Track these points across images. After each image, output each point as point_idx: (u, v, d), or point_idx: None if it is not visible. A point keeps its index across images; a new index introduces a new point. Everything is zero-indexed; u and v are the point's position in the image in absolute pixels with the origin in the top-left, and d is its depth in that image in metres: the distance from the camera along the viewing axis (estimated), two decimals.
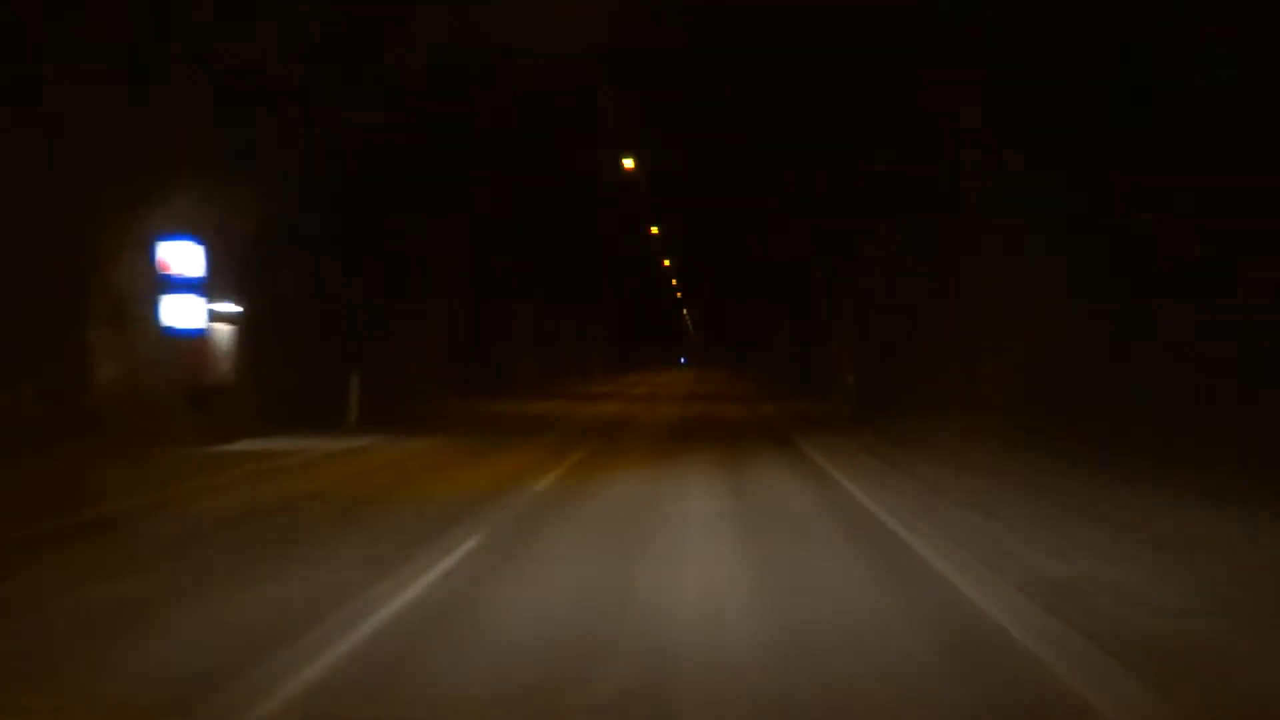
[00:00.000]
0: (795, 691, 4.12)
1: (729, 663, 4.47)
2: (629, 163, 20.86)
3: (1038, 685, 4.23)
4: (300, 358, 16.15)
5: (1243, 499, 7.63)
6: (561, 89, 16.14)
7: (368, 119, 15.46)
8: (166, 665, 4.31)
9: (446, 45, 13.53)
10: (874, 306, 20.89)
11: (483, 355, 30.09)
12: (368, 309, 19.54)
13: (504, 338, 33.60)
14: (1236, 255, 8.55)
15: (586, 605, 5.42)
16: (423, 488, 10.04)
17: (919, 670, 4.40)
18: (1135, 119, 9.82)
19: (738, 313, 58.17)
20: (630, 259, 41.71)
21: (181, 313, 13.15)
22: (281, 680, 4.04)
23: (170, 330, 12.97)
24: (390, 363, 20.89)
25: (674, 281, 54.20)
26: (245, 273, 14.60)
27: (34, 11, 9.66)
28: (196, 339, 13.66)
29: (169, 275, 12.90)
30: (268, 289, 15.18)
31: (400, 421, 17.35)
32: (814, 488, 10.31)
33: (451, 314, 26.57)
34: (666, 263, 43.79)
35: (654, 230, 32.17)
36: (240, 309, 14.70)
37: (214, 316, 14.08)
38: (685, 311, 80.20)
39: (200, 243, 13.31)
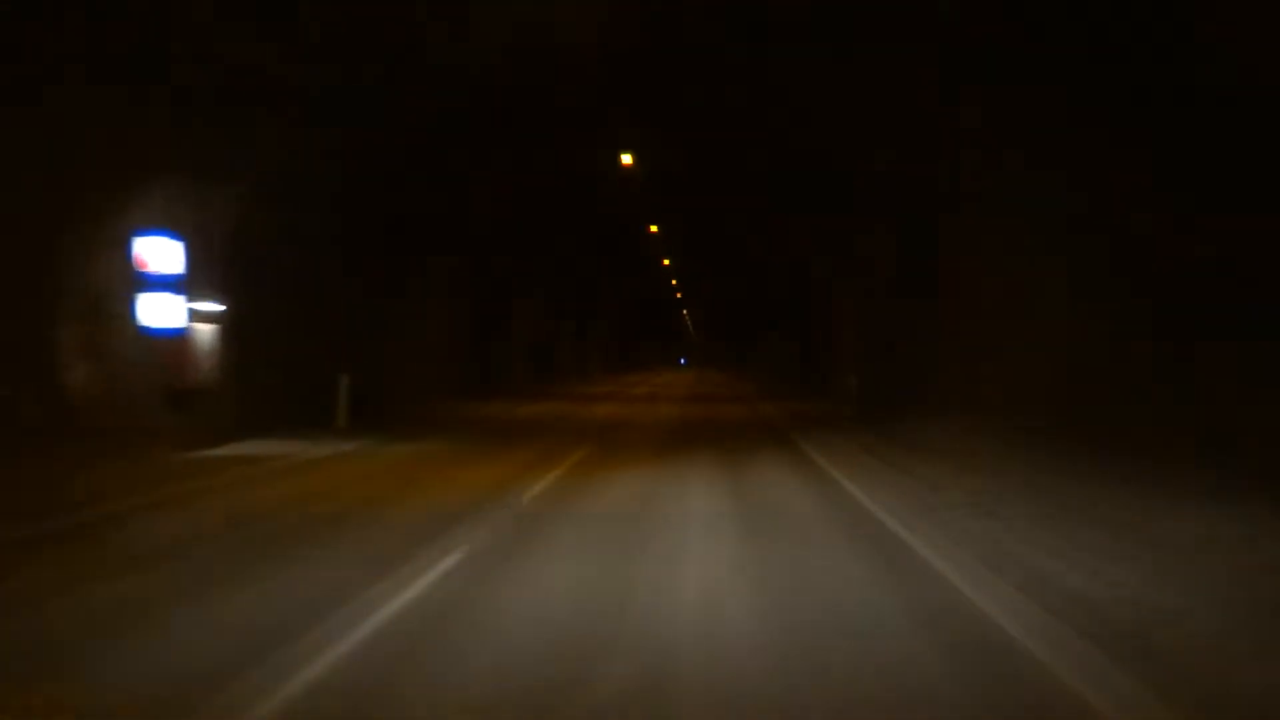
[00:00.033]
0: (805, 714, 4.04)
1: (731, 682, 4.45)
2: (627, 159, 20.71)
3: (1037, 685, 4.23)
4: (289, 358, 15.81)
5: (1243, 499, 7.63)
6: (561, 88, 16.14)
7: (362, 116, 15.36)
8: (97, 701, 4.07)
9: (445, 44, 13.49)
10: (873, 306, 20.88)
11: (480, 356, 30.02)
12: (362, 309, 19.30)
13: (502, 338, 33.57)
14: (1236, 255, 8.55)
15: (570, 634, 4.88)
16: (403, 498, 9.41)
17: (919, 670, 4.40)
18: (1135, 119, 9.83)
19: (738, 313, 58.15)
20: (630, 259, 41.72)
21: (160, 311, 12.68)
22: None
23: (148, 329, 12.50)
24: (385, 363, 20.70)
25: (674, 281, 54.21)
26: (229, 270, 14.17)
27: (6, 7, 9.42)
28: (176, 338, 13.19)
29: (146, 272, 12.43)
30: (254, 287, 14.75)
31: (392, 424, 17.03)
32: (815, 488, 10.30)
33: (449, 314, 26.44)
34: (666, 262, 43.78)
35: (653, 229, 32.13)
36: (223, 307, 14.24)
37: (195, 315, 13.62)
38: (685, 312, 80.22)
39: (179, 239, 12.85)
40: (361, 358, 18.92)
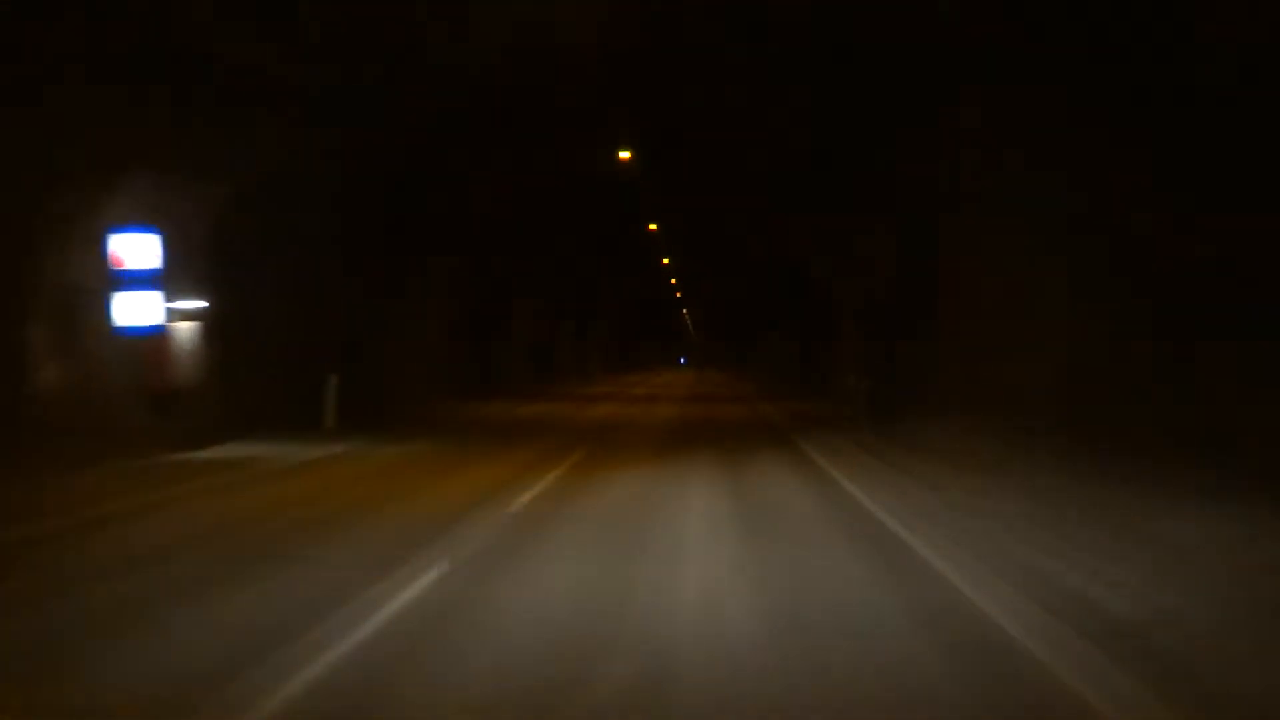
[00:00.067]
0: None
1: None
2: (626, 155, 20.53)
3: (1037, 685, 4.23)
4: (279, 358, 15.44)
5: (1243, 499, 7.62)
6: (561, 88, 16.12)
7: (359, 115, 15.25)
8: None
9: (444, 43, 13.45)
10: (873, 306, 20.88)
11: (480, 356, 29.88)
12: (360, 309, 19.05)
13: (502, 338, 33.51)
14: (1236, 255, 8.55)
15: (552, 663, 4.47)
16: (385, 504, 9.00)
17: (919, 669, 4.40)
18: (1135, 119, 9.82)
19: (738, 313, 58.13)
20: (630, 259, 41.68)
21: (136, 309, 12.16)
22: None
23: (124, 328, 12.01)
24: (384, 363, 20.49)
25: (673, 281, 54.19)
26: (213, 268, 13.71)
27: None
28: (155, 337, 12.68)
29: (122, 269, 11.94)
30: (241, 286, 14.42)
31: (384, 426, 16.64)
32: (815, 488, 10.30)
33: (449, 314, 26.29)
34: (666, 261, 43.72)
35: (652, 227, 32.02)
36: (205, 305, 13.73)
37: (175, 314, 13.13)
38: (685, 311, 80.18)
39: (156, 234, 12.34)
40: (359, 358, 18.73)
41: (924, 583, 6.03)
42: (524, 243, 30.59)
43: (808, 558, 6.78)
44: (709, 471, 11.49)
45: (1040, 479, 9.84)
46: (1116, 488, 8.85)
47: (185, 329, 13.53)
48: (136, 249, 12.11)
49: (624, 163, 21.27)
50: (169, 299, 12.85)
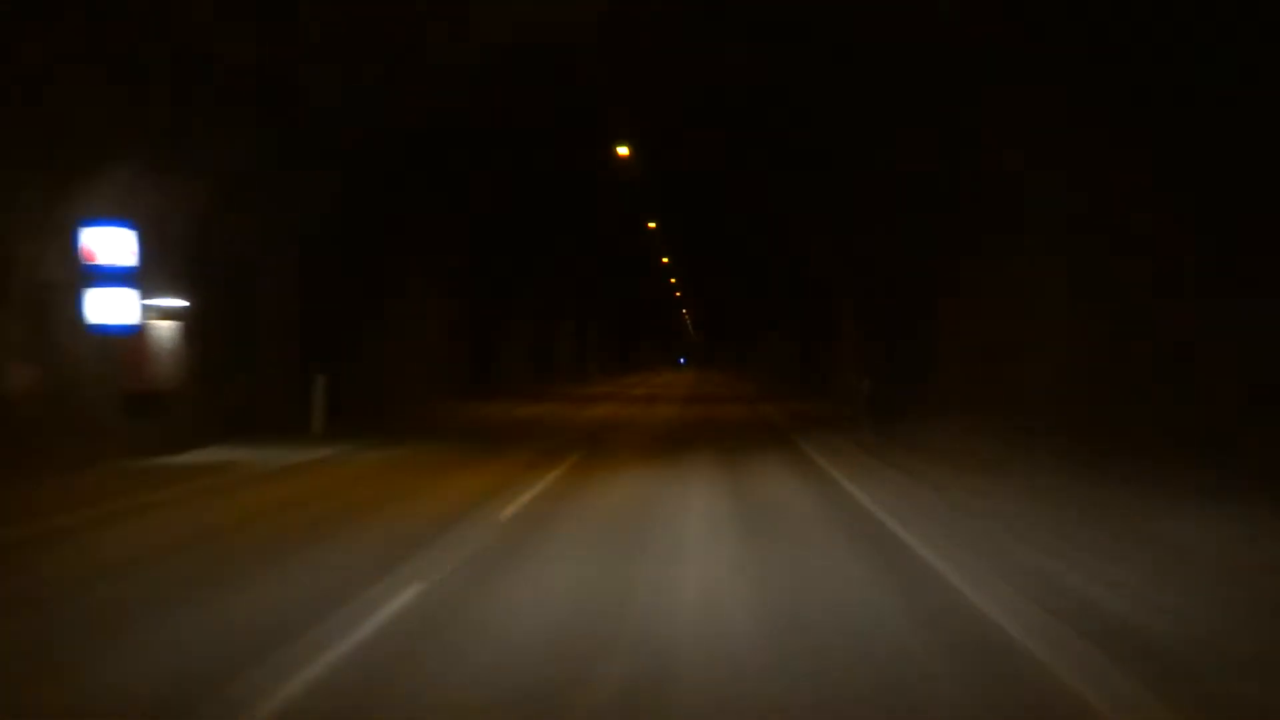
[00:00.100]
0: None
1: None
2: (625, 152, 20.40)
3: (1037, 685, 4.23)
4: (267, 359, 15.03)
5: (1242, 499, 7.63)
6: (559, 86, 16.11)
7: (355, 113, 15.15)
8: None
9: (445, 42, 13.40)
10: (874, 306, 20.88)
11: (474, 356, 29.63)
12: (355, 308, 18.73)
13: (500, 338, 33.38)
14: (1236, 255, 8.55)
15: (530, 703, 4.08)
16: (365, 514, 8.46)
17: (920, 671, 4.40)
18: (1135, 119, 9.82)
19: (738, 313, 58.14)
20: (629, 259, 41.70)
21: (111, 307, 11.60)
22: None
23: (98, 327, 11.45)
24: (374, 364, 20.15)
25: (673, 280, 54.20)
26: (195, 265, 13.15)
27: None
28: (131, 337, 12.10)
29: (95, 265, 11.37)
30: (226, 284, 13.95)
31: (375, 428, 16.15)
32: (815, 488, 10.28)
33: (442, 314, 25.87)
34: (665, 260, 43.67)
35: (652, 225, 31.96)
36: (186, 304, 13.13)
37: (154, 312, 12.58)
38: (685, 311, 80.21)
39: (132, 228, 11.76)
40: (353, 358, 18.48)
41: (924, 583, 6.02)
42: (521, 242, 30.55)
43: (808, 558, 6.77)
44: (709, 474, 11.32)
45: (1041, 479, 9.84)
46: (1116, 487, 8.85)
47: (165, 328, 12.95)
48: (110, 244, 11.57)
49: (624, 163, 21.28)
50: (147, 297, 12.33)
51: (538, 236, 31.01)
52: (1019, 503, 8.71)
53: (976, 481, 10.02)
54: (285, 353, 15.70)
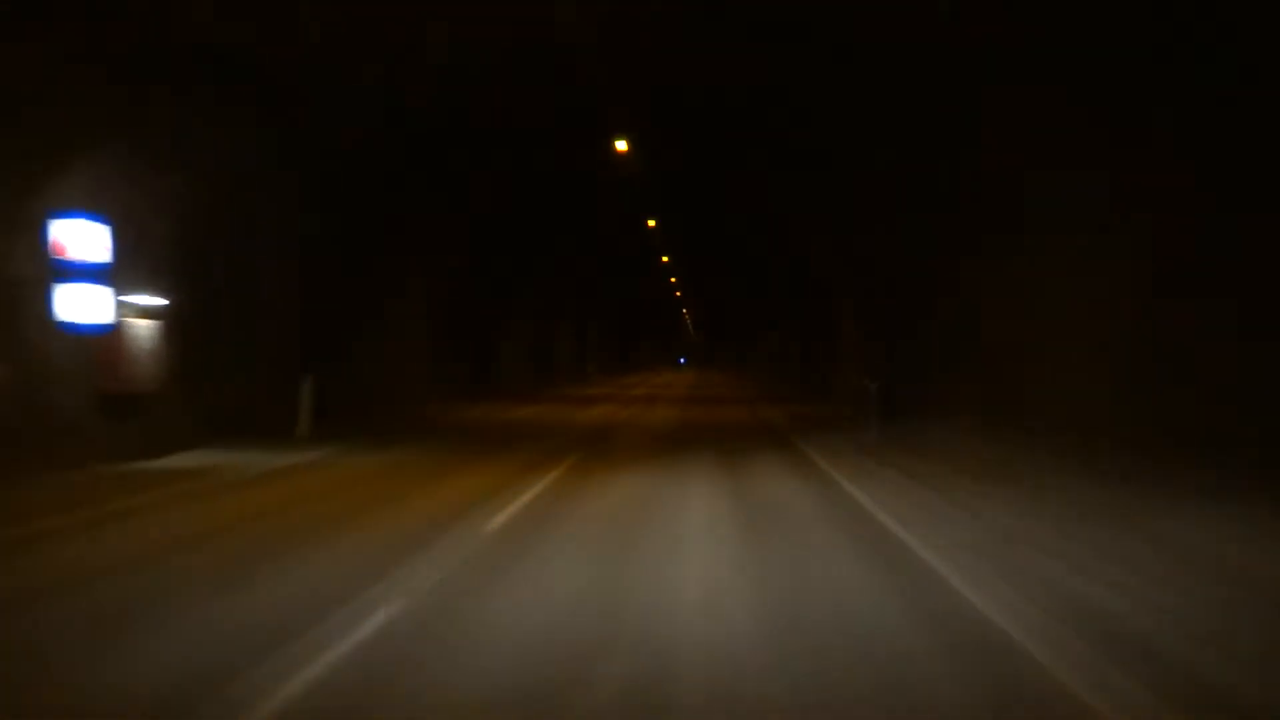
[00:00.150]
0: None
1: None
2: (624, 148, 20.19)
3: (1037, 685, 4.22)
4: (254, 359, 14.59)
5: (1243, 499, 7.62)
6: (559, 86, 16.09)
7: (350, 108, 15.01)
8: None
9: (444, 41, 13.35)
10: (874, 306, 20.87)
11: (472, 356, 29.41)
12: (343, 307, 18.32)
13: (499, 338, 33.23)
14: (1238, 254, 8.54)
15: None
16: (343, 523, 7.96)
17: (920, 672, 4.38)
18: (1134, 119, 9.80)
19: (738, 313, 58.16)
20: (629, 259, 41.68)
21: (83, 305, 11.11)
22: None
23: (70, 326, 10.97)
24: (367, 364, 19.83)
25: (673, 280, 54.20)
26: (176, 262, 12.68)
27: None
28: (107, 336, 11.59)
29: (66, 260, 10.89)
30: (210, 282, 13.46)
31: (364, 430, 15.62)
32: (815, 489, 10.23)
33: (440, 314, 25.53)
34: (665, 259, 43.63)
35: (651, 223, 31.89)
36: (165, 302, 12.59)
37: (129, 310, 12.03)
38: (685, 311, 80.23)
39: (105, 222, 11.29)
40: (347, 358, 18.20)
41: (928, 587, 5.98)
42: (518, 240, 30.48)
43: (807, 558, 6.74)
44: (709, 480, 10.71)
45: (1045, 479, 9.83)
46: (1117, 487, 8.87)
47: (144, 327, 12.38)
48: (83, 238, 11.06)
49: (624, 163, 21.25)
50: (124, 294, 11.86)
51: (537, 236, 30.96)
52: (1023, 503, 8.69)
53: (982, 484, 9.97)
54: (274, 353, 15.17)
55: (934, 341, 16.32)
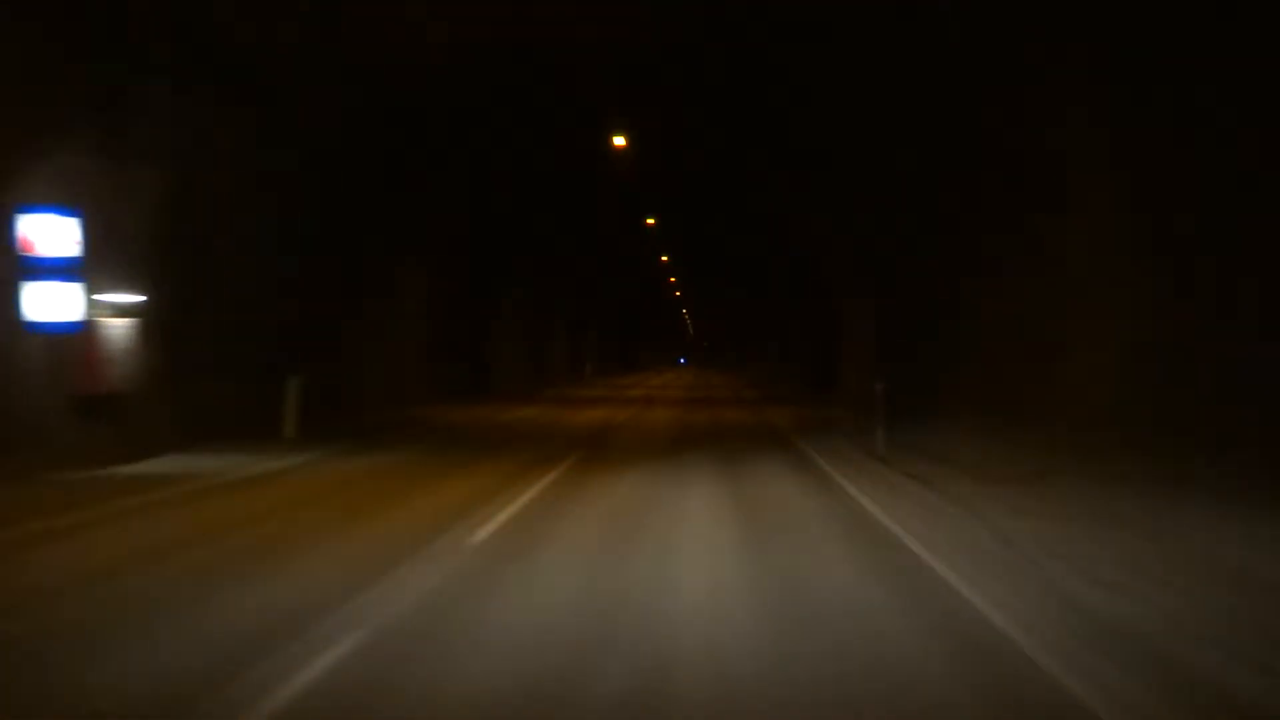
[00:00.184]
0: None
1: None
2: (622, 143, 19.96)
3: (1038, 686, 4.16)
4: (239, 360, 14.16)
5: (1243, 499, 7.54)
6: (561, 84, 16.00)
7: (345, 104, 14.85)
8: None
9: (445, 35, 13.21)
10: (882, 308, 20.80)
11: (466, 356, 29.22)
12: (333, 306, 18.09)
13: (493, 338, 33.00)
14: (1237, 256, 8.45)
15: None
16: (319, 533, 7.58)
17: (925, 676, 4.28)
18: (1140, 117, 9.70)
19: (738, 312, 58.16)
20: (629, 258, 41.62)
21: (52, 303, 10.67)
22: None
23: (38, 325, 10.52)
24: (357, 365, 19.59)
25: (673, 280, 54.16)
26: (154, 259, 12.21)
27: None
28: (80, 335, 11.15)
29: (34, 256, 10.45)
30: (192, 279, 13.04)
31: (352, 433, 15.18)
32: (821, 496, 10.13)
33: (433, 313, 25.21)
34: (665, 259, 43.55)
35: (650, 222, 31.78)
36: (143, 300, 12.13)
37: (105, 309, 11.59)
38: (685, 311, 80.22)
39: (76, 215, 10.85)
40: (336, 359, 18.00)
41: (934, 595, 5.86)
42: (519, 241, 30.40)
43: (809, 565, 6.64)
44: (710, 500, 9.60)
45: (1046, 480, 9.73)
46: (1116, 486, 8.80)
47: (120, 326, 11.91)
48: (51, 233, 10.58)
49: (624, 162, 21.15)
50: (97, 292, 11.42)
51: (535, 235, 30.88)
52: (1027, 502, 8.58)
53: (989, 488, 9.82)
54: (261, 352, 14.70)
55: (935, 342, 16.24)
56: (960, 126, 13.81)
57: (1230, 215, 8.53)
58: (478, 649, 4.64)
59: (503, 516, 8.19)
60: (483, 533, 7.48)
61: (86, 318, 11.28)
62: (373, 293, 20.94)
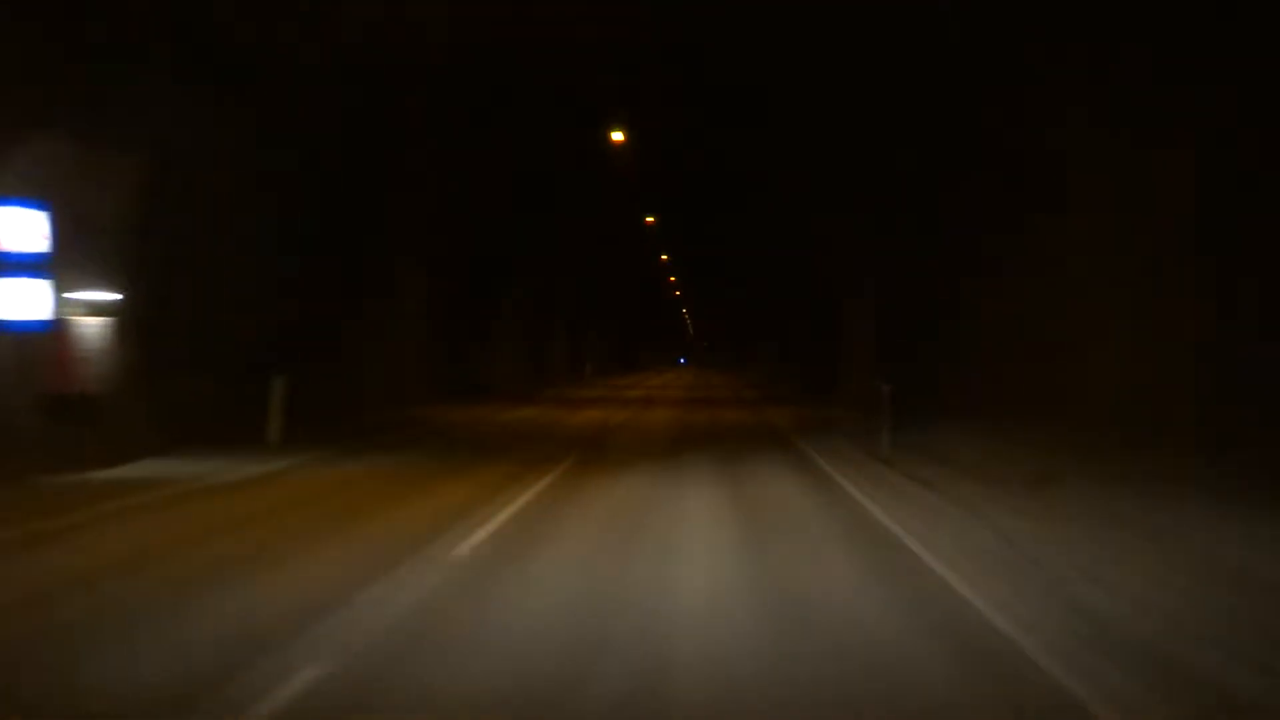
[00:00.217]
0: None
1: None
2: (622, 141, 19.81)
3: (1038, 686, 4.14)
4: (221, 359, 13.77)
5: (1243, 498, 7.52)
6: (559, 83, 15.99)
7: (340, 100, 14.76)
8: None
9: (445, 31, 13.19)
10: (882, 308, 20.78)
11: (469, 357, 29.10)
12: (325, 305, 17.73)
13: (489, 338, 32.87)
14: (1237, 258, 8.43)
15: None
16: (294, 545, 7.12)
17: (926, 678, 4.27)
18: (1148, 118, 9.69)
19: (739, 312, 58.12)
20: (628, 257, 41.62)
21: (20, 300, 10.26)
22: None
23: (5, 324, 10.19)
24: (350, 365, 19.32)
25: (672, 279, 54.15)
26: (131, 255, 11.76)
27: None
28: (51, 334, 10.73)
29: (1, 252, 10.13)
30: (170, 275, 12.63)
31: (343, 435, 14.70)
32: (822, 495, 10.09)
33: (432, 313, 24.94)
34: (665, 258, 43.53)
35: (650, 221, 31.75)
36: (120, 298, 11.68)
37: (79, 307, 11.18)
38: (685, 311, 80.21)
39: (44, 209, 10.41)
40: (328, 359, 17.80)
41: (930, 592, 5.86)
42: (517, 239, 30.34)
43: (808, 569, 6.60)
44: (709, 490, 9.81)
45: (1046, 480, 9.70)
46: (1117, 486, 8.77)
47: (95, 325, 11.43)
48: (18, 227, 10.19)
49: (624, 162, 21.15)
50: (70, 289, 11.01)
51: (533, 234, 30.82)
52: (1029, 503, 8.56)
53: (994, 489, 9.78)
54: (245, 353, 14.30)
55: (935, 342, 16.22)
56: (960, 126, 13.79)
57: (1230, 215, 8.51)
58: (477, 650, 4.61)
59: (491, 526, 7.83)
60: (467, 545, 7.03)
61: (57, 316, 10.85)
62: (372, 293, 20.79)
